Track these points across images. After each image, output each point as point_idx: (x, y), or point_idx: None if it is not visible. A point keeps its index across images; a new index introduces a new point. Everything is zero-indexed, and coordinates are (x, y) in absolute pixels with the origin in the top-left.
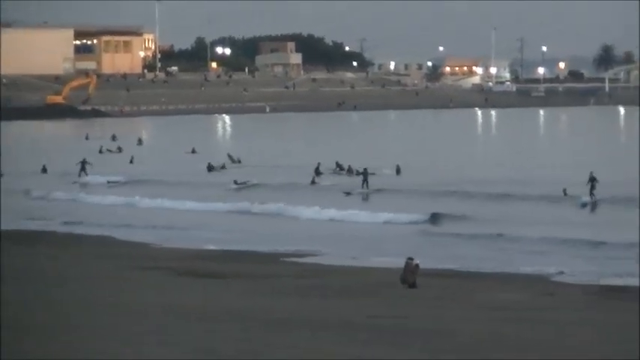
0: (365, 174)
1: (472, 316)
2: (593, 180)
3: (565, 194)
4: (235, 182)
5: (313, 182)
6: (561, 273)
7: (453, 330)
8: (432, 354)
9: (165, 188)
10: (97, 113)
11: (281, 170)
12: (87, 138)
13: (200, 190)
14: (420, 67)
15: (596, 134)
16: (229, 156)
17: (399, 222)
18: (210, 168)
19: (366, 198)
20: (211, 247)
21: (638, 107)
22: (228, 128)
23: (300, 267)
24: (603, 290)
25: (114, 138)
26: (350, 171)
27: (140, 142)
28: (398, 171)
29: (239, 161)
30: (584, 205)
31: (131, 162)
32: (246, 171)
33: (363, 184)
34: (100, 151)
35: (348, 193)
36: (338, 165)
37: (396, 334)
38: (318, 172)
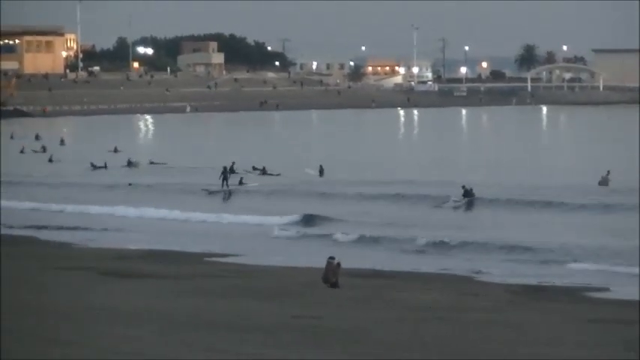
0: (225, 173)
1: (396, 316)
2: (467, 191)
3: (467, 193)
4: (130, 184)
5: (241, 183)
6: (480, 272)
7: (376, 331)
8: (355, 355)
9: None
10: (19, 113)
11: (197, 171)
12: (12, 137)
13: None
14: (342, 66)
15: (515, 134)
16: (150, 161)
17: (271, 223)
18: (129, 164)
19: (227, 197)
20: (135, 247)
21: (560, 106)
22: (151, 127)
23: (223, 267)
24: (527, 290)
25: (37, 137)
26: (264, 172)
27: (62, 142)
28: (321, 172)
29: (146, 162)
30: (455, 207)
31: (50, 161)
32: (165, 171)
33: (223, 183)
34: (22, 152)
35: (209, 192)
36: (254, 167)
37: (320, 335)
38: (232, 171)
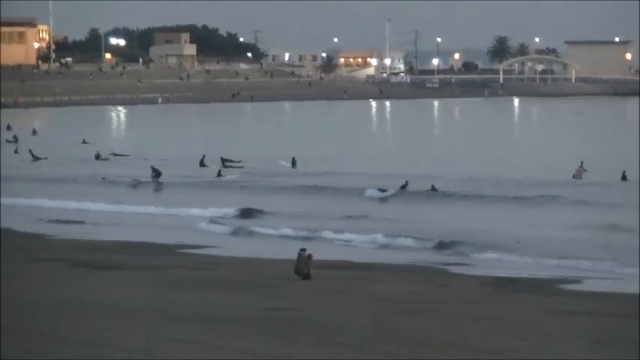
0: (155, 170)
1: (367, 308)
2: (404, 186)
3: (405, 186)
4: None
5: (220, 175)
6: (459, 264)
7: (351, 323)
8: (330, 347)
9: None
10: None
11: (160, 163)
12: None
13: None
14: (314, 58)
15: (486, 126)
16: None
17: (204, 216)
18: (97, 157)
19: (157, 189)
20: (109, 238)
21: (532, 98)
22: (122, 118)
23: (196, 259)
24: (500, 282)
25: (9, 128)
26: (224, 164)
27: (34, 132)
28: (294, 163)
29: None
30: (381, 199)
31: (16, 152)
32: (130, 162)
33: (153, 177)
34: None
35: (135, 184)
36: (223, 159)
37: (291, 327)
38: (202, 164)
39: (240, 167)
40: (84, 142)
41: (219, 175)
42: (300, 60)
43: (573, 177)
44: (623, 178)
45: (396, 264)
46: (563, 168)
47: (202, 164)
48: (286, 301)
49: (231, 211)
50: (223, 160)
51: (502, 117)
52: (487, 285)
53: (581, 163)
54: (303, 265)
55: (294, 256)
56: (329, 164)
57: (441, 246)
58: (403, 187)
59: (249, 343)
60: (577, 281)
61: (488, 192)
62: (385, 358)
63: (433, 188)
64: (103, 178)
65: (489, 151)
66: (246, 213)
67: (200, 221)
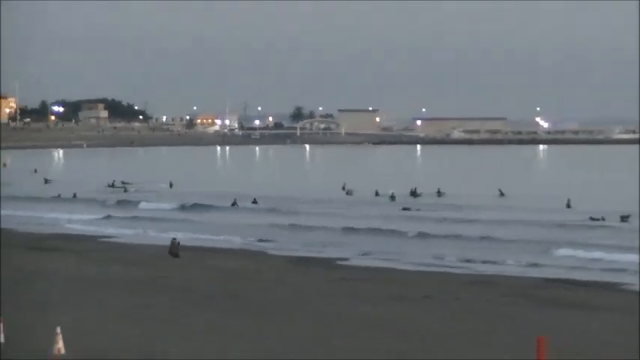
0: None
1: (209, 275)
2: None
3: (235, 204)
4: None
5: (126, 190)
6: (272, 249)
7: (201, 284)
8: (188, 299)
9: None
10: None
11: (76, 185)
12: None
13: None
14: (181, 119)
15: (287, 162)
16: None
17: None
18: (46, 181)
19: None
20: (52, 231)
21: (318, 145)
22: (61, 157)
23: (110, 245)
24: (300, 260)
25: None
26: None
27: (5, 165)
28: (171, 185)
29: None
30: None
31: None
32: (53, 185)
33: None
34: None
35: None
36: (122, 182)
37: (168, 287)
38: (113, 185)
39: (124, 188)
40: (35, 171)
41: (125, 190)
42: (172, 120)
43: (347, 194)
44: (376, 194)
45: (230, 248)
46: (337, 189)
47: (113, 185)
48: (164, 271)
49: (99, 216)
50: (123, 183)
51: (298, 156)
52: (290, 262)
53: (344, 184)
54: (174, 248)
55: (167, 242)
56: (198, 186)
57: (260, 239)
58: (233, 204)
59: (139, 296)
60: (346, 259)
61: (285, 206)
62: (221, 307)
63: (254, 201)
64: (59, 195)
65: (289, 177)
66: (108, 218)
67: (67, 221)
